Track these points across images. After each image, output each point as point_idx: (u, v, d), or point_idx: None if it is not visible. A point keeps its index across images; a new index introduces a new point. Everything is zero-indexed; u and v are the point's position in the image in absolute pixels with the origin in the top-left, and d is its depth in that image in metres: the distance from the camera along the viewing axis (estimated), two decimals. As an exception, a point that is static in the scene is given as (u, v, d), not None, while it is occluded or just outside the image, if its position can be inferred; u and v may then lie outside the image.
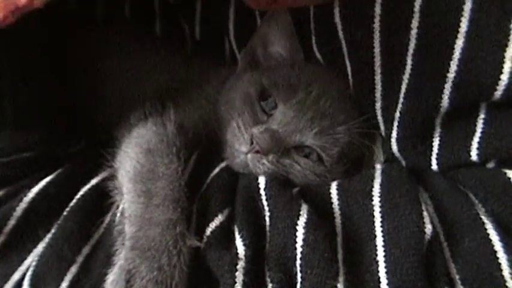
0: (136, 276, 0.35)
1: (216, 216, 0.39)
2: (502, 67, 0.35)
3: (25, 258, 0.39)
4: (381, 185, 0.39)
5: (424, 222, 0.36)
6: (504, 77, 0.35)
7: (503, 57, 0.35)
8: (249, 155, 0.44)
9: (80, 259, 0.38)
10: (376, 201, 0.38)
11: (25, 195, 0.40)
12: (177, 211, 0.38)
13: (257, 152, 0.43)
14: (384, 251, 0.36)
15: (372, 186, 0.39)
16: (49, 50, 0.46)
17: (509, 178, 0.37)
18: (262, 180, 0.41)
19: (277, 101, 0.46)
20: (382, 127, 0.46)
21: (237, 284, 0.36)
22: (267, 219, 0.39)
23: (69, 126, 0.47)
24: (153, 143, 0.42)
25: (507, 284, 0.34)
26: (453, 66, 0.37)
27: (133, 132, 0.44)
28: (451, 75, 0.37)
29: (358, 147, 0.47)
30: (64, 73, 0.49)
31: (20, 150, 0.42)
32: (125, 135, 0.44)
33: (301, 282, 0.36)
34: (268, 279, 0.37)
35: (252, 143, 0.44)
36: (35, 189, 0.40)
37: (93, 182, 0.43)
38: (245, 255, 0.37)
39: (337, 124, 0.45)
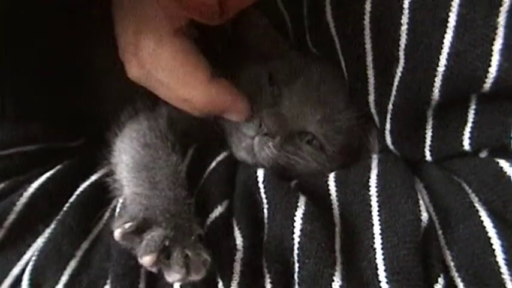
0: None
1: (216, 207, 0.39)
2: (491, 60, 0.36)
3: (24, 253, 0.39)
4: (377, 175, 0.40)
5: (420, 211, 0.37)
6: (492, 70, 0.36)
7: (491, 50, 0.36)
8: (256, 138, 0.44)
9: (79, 253, 0.39)
10: (373, 191, 0.39)
11: (25, 190, 0.40)
12: (183, 192, 0.38)
13: (265, 134, 0.44)
14: (381, 238, 0.36)
15: (369, 177, 0.40)
16: (49, 46, 0.47)
17: (502, 167, 0.38)
18: (260, 174, 0.41)
19: (281, 86, 0.47)
20: (376, 119, 0.47)
21: (234, 275, 0.36)
22: (265, 211, 0.39)
23: (69, 122, 0.48)
24: (148, 138, 0.42)
25: (501, 270, 0.34)
26: (443, 60, 0.38)
27: (127, 128, 0.44)
28: (440, 68, 0.38)
29: (357, 137, 0.48)
30: (64, 68, 0.49)
31: (21, 144, 0.42)
32: (117, 132, 0.44)
33: (298, 272, 0.36)
34: (266, 270, 0.37)
35: (260, 125, 0.44)
36: (35, 184, 0.41)
37: (93, 178, 0.43)
38: (243, 247, 0.37)
39: (337, 112, 0.46)
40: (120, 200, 0.41)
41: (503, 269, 0.34)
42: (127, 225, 0.34)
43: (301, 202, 0.39)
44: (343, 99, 0.47)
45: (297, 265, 0.36)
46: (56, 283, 0.37)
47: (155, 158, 0.40)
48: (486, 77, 0.36)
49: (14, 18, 0.37)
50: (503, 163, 0.38)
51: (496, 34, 0.36)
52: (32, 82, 0.45)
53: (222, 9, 0.36)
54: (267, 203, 0.39)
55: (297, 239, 0.37)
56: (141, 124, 0.44)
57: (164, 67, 0.40)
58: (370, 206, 0.38)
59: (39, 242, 0.39)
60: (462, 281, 0.35)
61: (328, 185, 0.41)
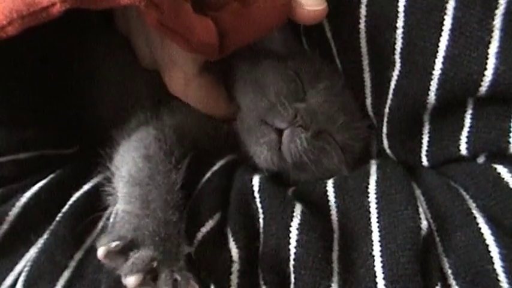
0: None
1: (207, 221, 0.38)
2: (486, 63, 0.36)
3: (17, 263, 0.38)
4: (376, 181, 0.40)
5: (420, 218, 0.36)
6: (488, 73, 0.36)
7: (487, 53, 0.36)
8: (287, 130, 0.42)
9: (72, 264, 0.38)
10: (372, 197, 0.38)
11: (18, 200, 0.40)
12: (175, 215, 0.37)
13: (299, 126, 0.42)
14: (380, 245, 0.36)
15: (368, 183, 0.40)
16: (44, 52, 0.46)
17: (499, 173, 0.37)
18: (256, 182, 0.41)
19: (305, 85, 0.45)
20: (374, 122, 0.47)
21: (231, 287, 0.36)
22: (261, 221, 0.39)
23: (62, 129, 0.47)
24: (152, 150, 0.41)
25: (499, 278, 0.34)
26: (438, 64, 0.38)
27: (134, 135, 0.43)
28: (436, 72, 0.38)
29: (368, 145, 0.48)
30: (58, 73, 0.49)
31: (14, 151, 0.42)
32: (124, 139, 0.43)
33: (294, 283, 0.36)
34: (262, 281, 0.37)
35: (295, 117, 0.42)
36: (28, 194, 0.40)
37: (86, 188, 0.42)
38: (239, 258, 0.37)
39: (356, 120, 0.46)
40: (114, 211, 0.40)
41: (501, 276, 0.34)
42: (113, 244, 0.33)
43: (297, 212, 0.38)
44: (360, 106, 0.47)
45: (293, 276, 0.36)
46: None
47: (153, 173, 0.39)
48: (482, 81, 0.36)
49: None
50: (501, 169, 0.38)
51: (491, 37, 0.36)
52: (25, 87, 0.44)
53: (222, 48, 0.40)
54: (263, 212, 0.39)
55: (292, 250, 0.36)
56: (149, 133, 0.42)
57: (192, 99, 0.46)
58: (369, 212, 0.38)
59: (32, 252, 0.39)
60: None
61: (326, 191, 0.41)
